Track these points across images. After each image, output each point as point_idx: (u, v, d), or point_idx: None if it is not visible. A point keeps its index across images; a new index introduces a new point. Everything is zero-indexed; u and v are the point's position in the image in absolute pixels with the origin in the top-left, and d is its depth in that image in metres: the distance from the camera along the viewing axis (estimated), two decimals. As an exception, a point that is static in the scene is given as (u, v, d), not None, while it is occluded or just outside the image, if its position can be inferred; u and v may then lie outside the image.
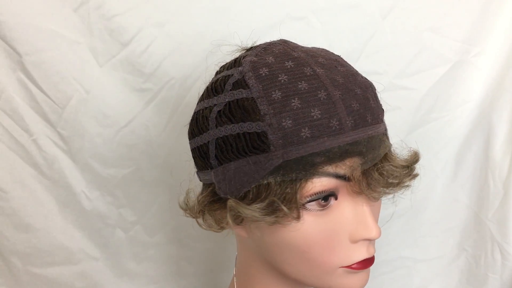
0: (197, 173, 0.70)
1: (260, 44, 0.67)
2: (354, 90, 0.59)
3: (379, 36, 0.98)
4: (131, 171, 1.03)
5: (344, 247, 0.62)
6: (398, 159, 0.64)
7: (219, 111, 0.61)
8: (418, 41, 1.00)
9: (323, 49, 0.68)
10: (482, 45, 1.00)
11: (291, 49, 0.63)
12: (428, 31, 0.99)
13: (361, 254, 0.63)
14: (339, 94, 0.58)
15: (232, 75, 0.62)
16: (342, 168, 0.58)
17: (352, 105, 0.58)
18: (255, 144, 0.58)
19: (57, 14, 0.91)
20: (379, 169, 0.59)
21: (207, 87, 0.67)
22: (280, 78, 0.58)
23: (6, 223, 1.02)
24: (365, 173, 0.59)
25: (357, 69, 0.98)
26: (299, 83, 0.58)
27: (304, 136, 0.56)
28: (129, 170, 1.03)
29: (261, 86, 0.58)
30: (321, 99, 0.57)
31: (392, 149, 0.65)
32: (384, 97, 1.00)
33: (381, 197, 0.62)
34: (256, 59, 0.62)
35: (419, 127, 1.06)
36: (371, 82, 0.64)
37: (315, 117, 0.56)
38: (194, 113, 0.67)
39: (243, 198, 0.60)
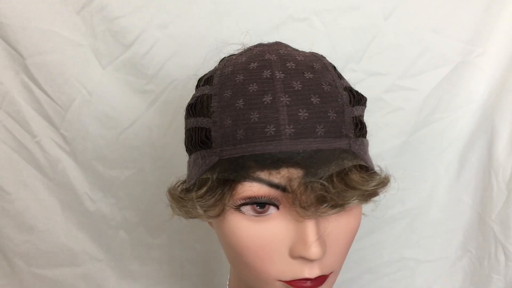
0: None
1: (256, 44, 0.67)
2: (309, 99, 0.55)
3: (381, 37, 0.98)
4: (134, 173, 1.03)
5: (283, 261, 0.57)
6: (358, 179, 0.56)
7: (189, 104, 0.63)
8: (420, 42, 0.99)
9: (313, 54, 0.63)
10: (485, 45, 1.00)
11: (268, 51, 0.61)
12: (431, 32, 0.99)
13: (299, 272, 0.57)
14: (288, 101, 0.55)
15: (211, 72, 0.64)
16: (277, 177, 0.54)
17: (299, 114, 0.54)
18: (203, 139, 0.58)
19: (60, 17, 0.91)
20: (325, 186, 0.53)
21: None
22: (237, 78, 0.58)
23: (10, 225, 1.02)
24: (309, 187, 0.53)
25: (360, 70, 0.99)
26: (251, 85, 0.56)
27: (238, 138, 0.54)
28: (132, 172, 1.03)
29: (219, 84, 0.59)
30: (265, 103, 0.55)
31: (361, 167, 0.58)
32: (387, 98, 1.02)
33: (328, 214, 0.54)
34: (233, 57, 0.63)
35: (422, 128, 1.05)
36: (344, 96, 0.58)
37: (252, 120, 0.54)
38: None
39: (190, 190, 0.60)
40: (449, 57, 1.01)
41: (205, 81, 0.63)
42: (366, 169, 0.58)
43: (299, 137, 0.54)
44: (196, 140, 0.59)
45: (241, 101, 0.55)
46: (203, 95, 0.60)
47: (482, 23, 0.99)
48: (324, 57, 0.64)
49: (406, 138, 1.05)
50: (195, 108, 0.61)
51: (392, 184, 1.07)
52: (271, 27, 0.94)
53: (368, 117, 1.01)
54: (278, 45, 0.65)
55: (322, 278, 0.58)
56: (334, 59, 0.97)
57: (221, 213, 0.58)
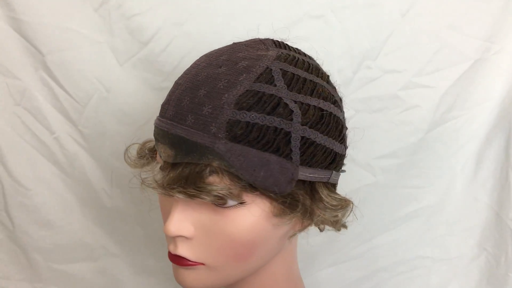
0: None
1: None
2: (198, 90, 0.58)
3: (398, 34, 0.98)
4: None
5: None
6: (212, 181, 0.57)
7: None
8: (437, 39, 0.99)
9: (253, 57, 0.61)
10: (502, 43, 0.99)
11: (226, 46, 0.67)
12: (448, 28, 0.98)
13: (168, 243, 0.65)
14: (185, 86, 0.60)
15: None
16: (159, 150, 0.61)
17: (183, 100, 0.59)
18: None
19: (78, 14, 0.92)
20: (180, 172, 0.57)
21: None
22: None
23: (29, 220, 1.04)
24: (173, 168, 0.58)
25: (376, 68, 0.98)
26: (187, 69, 0.65)
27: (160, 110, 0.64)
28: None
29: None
30: (176, 83, 0.63)
31: (221, 165, 0.56)
32: (403, 96, 1.01)
33: (175, 196, 0.58)
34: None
35: (438, 126, 1.05)
36: (234, 98, 0.57)
37: (166, 96, 0.63)
38: None
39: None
40: (466, 54, 1.00)
41: None
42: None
43: (173, 120, 0.59)
44: None
45: (176, 80, 0.64)
46: None
47: (499, 20, 0.99)
48: (278, 61, 0.61)
49: (422, 135, 1.05)
50: None
51: (407, 182, 1.07)
52: (287, 24, 0.94)
53: (384, 115, 1.02)
54: (239, 43, 0.67)
55: (182, 260, 0.63)
56: (350, 56, 0.98)
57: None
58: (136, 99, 0.99)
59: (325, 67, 0.71)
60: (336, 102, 0.65)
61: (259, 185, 0.57)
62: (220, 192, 0.56)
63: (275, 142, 0.57)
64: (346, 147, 0.68)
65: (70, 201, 1.05)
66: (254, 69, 0.59)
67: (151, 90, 0.99)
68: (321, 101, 0.61)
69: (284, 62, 0.61)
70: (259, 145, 0.56)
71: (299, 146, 0.58)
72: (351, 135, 0.99)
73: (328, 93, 0.63)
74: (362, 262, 1.15)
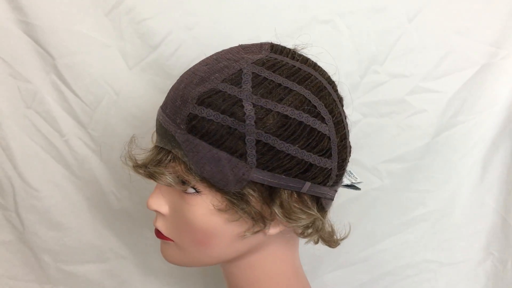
0: None
1: None
2: (181, 84, 0.64)
3: (405, 39, 0.98)
4: (159, 172, 1.05)
5: None
6: (166, 167, 0.64)
7: None
8: (445, 44, 0.99)
9: (229, 52, 0.66)
10: (509, 48, 1.00)
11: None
12: (455, 33, 0.99)
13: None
14: (179, 81, 0.66)
15: None
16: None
17: (171, 92, 0.66)
18: None
19: (89, 18, 0.93)
20: (154, 156, 0.66)
21: None
22: None
23: (39, 221, 1.05)
24: (155, 151, 0.67)
25: (383, 72, 0.99)
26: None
27: None
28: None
29: None
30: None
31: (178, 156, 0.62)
32: (411, 100, 1.02)
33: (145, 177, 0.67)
34: None
35: (445, 130, 1.05)
36: (196, 96, 0.61)
37: None
38: None
39: None
40: (474, 59, 1.01)
41: None
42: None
43: (161, 108, 0.67)
44: None
45: None
46: None
47: (506, 25, 0.99)
48: (255, 65, 0.62)
49: (430, 140, 1.05)
50: None
51: (414, 186, 1.07)
52: (295, 29, 0.95)
53: (391, 119, 1.03)
54: (241, 45, 0.69)
55: (160, 234, 0.70)
56: (357, 60, 0.99)
57: None
58: (145, 102, 1.00)
59: (332, 72, 0.71)
60: (319, 114, 0.62)
61: (206, 178, 0.61)
62: (168, 178, 0.63)
63: (227, 141, 0.59)
64: (336, 161, 0.64)
65: (80, 203, 1.06)
66: (227, 70, 0.62)
67: (160, 93, 1.00)
68: (290, 108, 0.60)
69: (262, 66, 0.62)
70: (212, 141, 0.59)
71: (255, 148, 0.59)
72: (358, 139, 1.00)
73: (305, 102, 0.61)
74: (369, 265, 1.15)
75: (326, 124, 0.62)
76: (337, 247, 1.11)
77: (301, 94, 0.61)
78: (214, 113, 0.59)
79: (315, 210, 0.65)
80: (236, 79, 0.61)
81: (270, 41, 0.69)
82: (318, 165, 0.62)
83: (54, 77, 0.97)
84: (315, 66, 0.68)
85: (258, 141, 0.59)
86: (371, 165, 1.07)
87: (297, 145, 0.60)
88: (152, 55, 0.97)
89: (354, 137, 0.72)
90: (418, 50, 0.99)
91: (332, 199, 0.68)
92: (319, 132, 0.62)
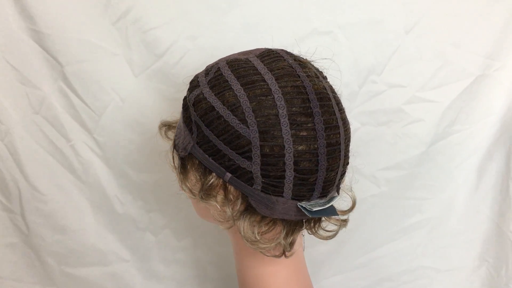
0: None
1: None
2: None
3: (403, 51, 1.00)
4: (162, 177, 1.07)
5: None
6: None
7: None
8: (441, 55, 1.01)
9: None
10: (504, 60, 1.01)
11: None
12: (451, 46, 1.01)
13: None
14: None
15: None
16: None
17: None
18: None
19: (97, 28, 0.95)
20: None
21: None
22: None
23: (43, 224, 1.06)
24: None
25: (381, 82, 1.01)
26: None
27: None
28: (160, 176, 1.07)
29: None
30: None
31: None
32: (407, 109, 1.04)
33: None
34: None
35: (441, 139, 1.07)
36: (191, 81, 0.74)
37: None
38: None
39: None
40: (469, 70, 1.03)
41: None
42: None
43: None
44: None
45: None
46: None
47: (501, 38, 1.01)
48: (225, 63, 0.70)
49: (426, 148, 1.07)
50: None
51: (411, 193, 1.09)
52: (296, 39, 0.97)
53: (389, 128, 1.05)
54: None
55: None
56: (356, 71, 1.01)
57: None
58: (150, 109, 1.02)
59: (332, 81, 0.73)
60: (243, 117, 0.63)
61: (174, 143, 0.75)
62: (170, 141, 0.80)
63: (185, 116, 0.72)
64: (258, 166, 0.64)
65: (84, 207, 1.08)
66: (213, 65, 0.72)
67: (165, 101, 1.02)
68: (219, 102, 0.66)
69: (227, 64, 0.69)
70: (183, 115, 0.73)
71: (195, 126, 0.69)
72: (356, 147, 1.02)
73: (235, 103, 0.64)
74: (366, 271, 1.17)
75: (248, 127, 0.63)
76: (336, 253, 1.14)
77: (236, 95, 0.65)
78: (187, 93, 0.72)
79: (236, 204, 0.68)
80: (208, 71, 0.71)
81: (267, 48, 0.73)
82: (236, 161, 0.65)
83: (62, 84, 0.99)
84: (285, 76, 0.66)
85: (194, 122, 0.68)
86: (369, 172, 1.08)
87: (215, 135, 0.66)
88: (157, 64, 0.99)
89: (352, 145, 0.73)
90: (415, 61, 1.01)
91: (269, 206, 0.66)
92: (236, 131, 0.64)
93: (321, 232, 0.75)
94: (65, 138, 1.03)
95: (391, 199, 1.11)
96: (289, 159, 0.63)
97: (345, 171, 0.72)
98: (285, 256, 0.71)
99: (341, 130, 0.67)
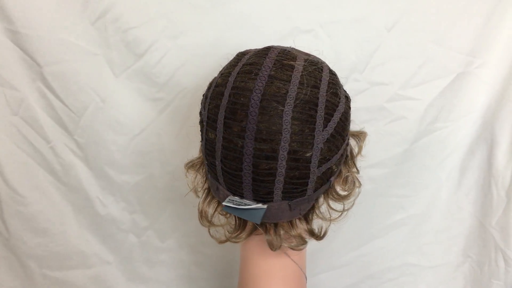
0: None
1: None
2: None
3: (384, 49, 1.00)
4: (144, 178, 1.06)
5: None
6: None
7: None
8: (422, 53, 1.02)
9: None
10: (484, 57, 1.02)
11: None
12: (432, 43, 1.01)
13: None
14: None
15: None
16: None
17: None
18: None
19: (76, 27, 0.94)
20: None
21: None
22: None
23: (24, 227, 1.05)
24: None
25: (364, 80, 1.01)
26: None
27: None
28: (142, 177, 1.06)
29: None
30: None
31: None
32: (390, 107, 1.04)
33: None
34: None
35: (424, 137, 1.08)
36: None
37: None
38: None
39: None
40: (450, 68, 1.03)
41: None
42: None
43: None
44: None
45: None
46: None
47: (482, 35, 1.01)
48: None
49: (408, 146, 1.08)
50: None
51: (394, 191, 1.09)
52: (278, 38, 0.97)
53: (371, 126, 1.05)
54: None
55: None
56: (338, 69, 1.00)
57: None
58: (131, 109, 1.01)
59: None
60: (203, 111, 0.71)
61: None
62: None
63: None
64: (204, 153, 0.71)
65: (65, 209, 1.07)
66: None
67: (146, 101, 1.01)
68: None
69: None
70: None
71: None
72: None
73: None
74: (351, 269, 1.17)
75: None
76: (321, 251, 1.14)
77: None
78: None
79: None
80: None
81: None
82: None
83: (41, 84, 0.97)
84: (242, 77, 0.67)
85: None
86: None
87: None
88: (138, 63, 0.98)
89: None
90: (397, 59, 1.01)
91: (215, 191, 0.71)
92: (201, 117, 0.72)
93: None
94: (45, 139, 1.02)
95: (375, 197, 1.12)
96: (213, 159, 0.69)
97: (269, 182, 0.65)
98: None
99: (249, 132, 0.63)
